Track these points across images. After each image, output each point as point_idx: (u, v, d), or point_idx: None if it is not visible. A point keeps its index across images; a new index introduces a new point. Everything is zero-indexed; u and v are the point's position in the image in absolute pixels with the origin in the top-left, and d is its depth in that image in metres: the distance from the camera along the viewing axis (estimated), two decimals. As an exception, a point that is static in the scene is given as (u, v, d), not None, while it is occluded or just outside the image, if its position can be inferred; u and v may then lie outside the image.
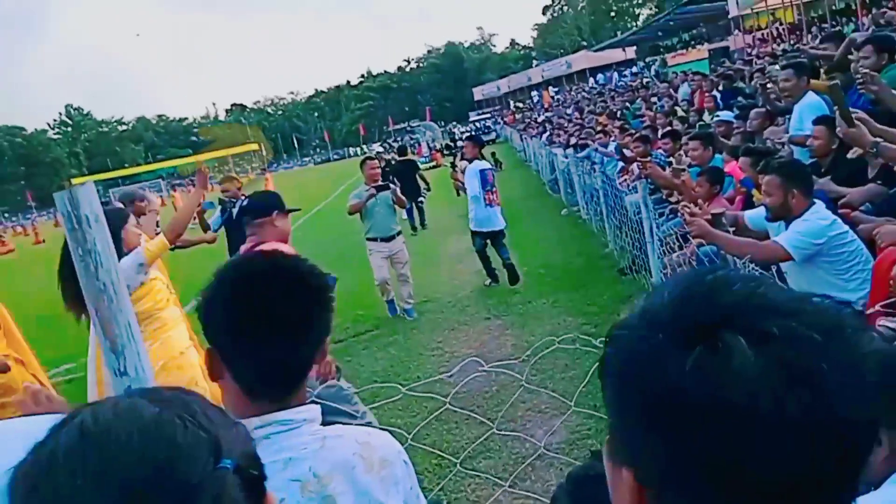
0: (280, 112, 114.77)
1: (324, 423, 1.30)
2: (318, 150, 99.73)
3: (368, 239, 7.73)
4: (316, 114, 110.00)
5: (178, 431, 0.65)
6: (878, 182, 4.12)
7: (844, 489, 0.58)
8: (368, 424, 3.51)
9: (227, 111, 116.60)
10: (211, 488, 0.63)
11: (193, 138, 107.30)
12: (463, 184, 8.90)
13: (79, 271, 1.29)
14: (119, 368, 1.32)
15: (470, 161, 8.49)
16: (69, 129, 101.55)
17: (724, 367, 0.55)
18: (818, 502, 0.56)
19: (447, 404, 2.14)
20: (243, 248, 3.74)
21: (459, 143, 30.60)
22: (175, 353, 3.96)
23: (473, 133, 23.49)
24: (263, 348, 1.22)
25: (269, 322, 1.22)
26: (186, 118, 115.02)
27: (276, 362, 1.23)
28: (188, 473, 0.63)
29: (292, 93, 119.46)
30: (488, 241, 8.26)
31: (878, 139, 3.05)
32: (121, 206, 4.36)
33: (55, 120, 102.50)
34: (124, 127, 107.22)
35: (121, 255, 3.75)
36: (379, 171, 8.10)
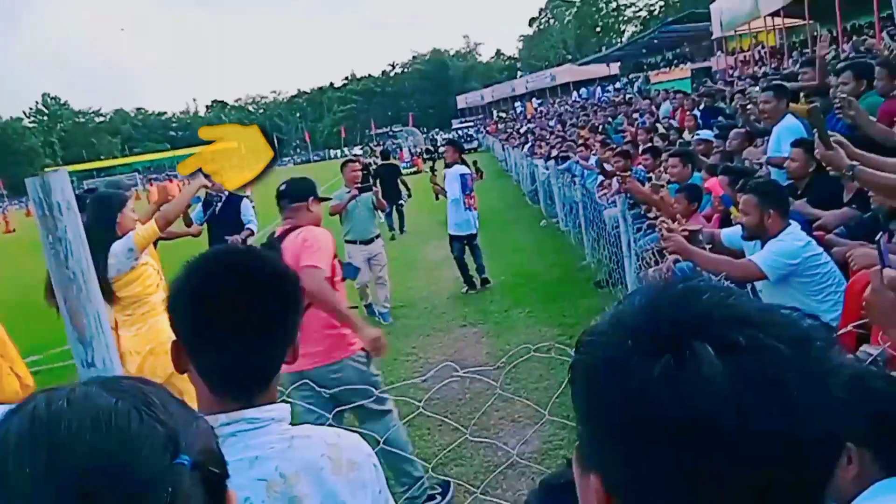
0: (261, 111, 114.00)
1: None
2: (298, 150, 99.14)
3: (347, 241, 7.72)
4: (297, 114, 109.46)
5: (132, 423, 0.62)
6: (853, 206, 4.20)
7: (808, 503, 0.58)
8: (388, 413, 3.61)
9: (207, 107, 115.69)
10: (165, 483, 0.61)
11: (172, 133, 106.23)
12: (441, 188, 9.09)
13: (48, 259, 1.27)
14: (86, 359, 1.30)
15: (450, 165, 8.66)
16: (45, 118, 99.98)
17: (691, 377, 0.55)
18: None
19: (420, 409, 2.12)
20: (279, 230, 3.88)
21: (441, 149, 30.82)
22: (163, 338, 3.97)
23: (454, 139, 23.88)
24: (228, 345, 1.20)
25: (235, 319, 1.20)
26: (165, 112, 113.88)
27: (241, 360, 1.20)
28: (141, 467, 0.60)
29: (274, 92, 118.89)
30: (466, 247, 8.41)
31: (855, 163, 3.11)
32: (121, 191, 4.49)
33: (31, 108, 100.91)
34: (101, 118, 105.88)
35: (115, 238, 3.97)
36: (360, 173, 8.09)
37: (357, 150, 47.44)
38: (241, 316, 1.20)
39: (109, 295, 3.85)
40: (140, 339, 4.04)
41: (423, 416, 3.69)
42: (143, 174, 64.20)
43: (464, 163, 8.73)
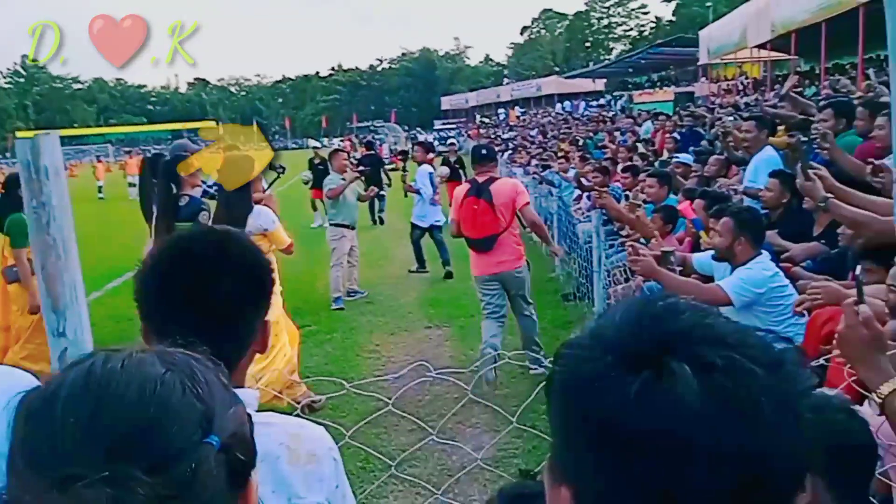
0: (243, 93, 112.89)
1: None
2: (276, 136, 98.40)
3: (339, 225, 8.05)
4: (280, 100, 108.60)
5: (174, 396, 0.66)
6: (822, 241, 4.27)
7: None
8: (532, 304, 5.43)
9: (189, 84, 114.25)
10: (190, 458, 0.63)
11: (150, 107, 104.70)
12: (411, 186, 10.19)
13: (29, 223, 1.26)
14: (57, 329, 1.28)
15: (420, 164, 9.83)
16: (22, 80, 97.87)
17: (668, 395, 0.56)
18: None
19: (390, 406, 2.10)
20: (479, 178, 5.59)
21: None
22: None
23: (422, 140, 24.65)
24: (188, 330, 1.17)
25: (195, 304, 1.18)
26: (145, 86, 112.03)
27: (203, 343, 1.18)
28: (172, 438, 0.63)
29: (259, 75, 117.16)
30: (425, 234, 9.52)
31: (829, 195, 3.17)
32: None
33: (8, 69, 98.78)
34: (79, 86, 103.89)
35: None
36: (347, 161, 8.68)
37: (337, 142, 47.27)
38: (200, 301, 1.18)
39: None
40: None
41: (382, 415, 3.66)
42: (116, 146, 63.24)
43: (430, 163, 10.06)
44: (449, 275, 9.07)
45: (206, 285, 1.19)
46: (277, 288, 4.87)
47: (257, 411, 1.24)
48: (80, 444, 0.62)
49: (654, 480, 0.56)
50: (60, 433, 0.63)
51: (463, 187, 5.79)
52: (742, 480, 0.55)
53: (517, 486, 1.30)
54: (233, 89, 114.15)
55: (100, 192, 26.72)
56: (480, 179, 5.52)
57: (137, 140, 68.26)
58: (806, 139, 5.24)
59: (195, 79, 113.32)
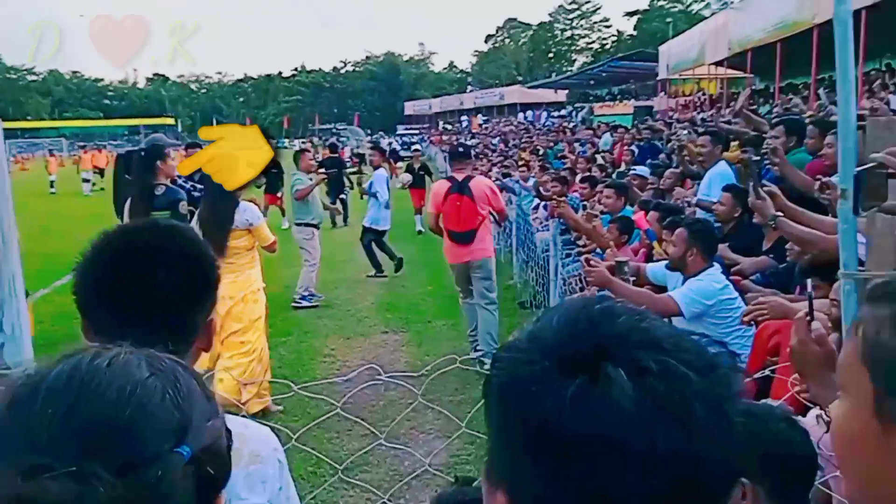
0: (204, 91, 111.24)
1: None
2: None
3: (309, 225, 8.16)
4: (241, 99, 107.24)
5: (153, 401, 0.66)
6: (771, 255, 4.38)
7: None
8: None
9: (147, 80, 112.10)
10: (158, 466, 0.63)
11: (106, 101, 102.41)
12: (364, 190, 10.65)
13: None
14: None
15: (376, 168, 10.48)
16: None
17: (603, 399, 0.56)
18: None
19: (338, 409, 2.09)
20: (458, 176, 5.98)
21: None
22: (254, 287, 4.90)
23: (380, 145, 24.93)
24: (127, 327, 1.14)
25: (133, 301, 1.14)
26: (102, 79, 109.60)
27: (141, 343, 1.16)
28: (143, 443, 0.64)
29: (220, 73, 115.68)
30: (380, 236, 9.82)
31: (779, 214, 3.25)
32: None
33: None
34: (34, 77, 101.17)
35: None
36: (313, 161, 9.07)
37: (298, 143, 46.93)
38: (136, 294, 1.14)
39: (223, 242, 4.51)
40: (236, 286, 4.71)
41: (333, 419, 3.63)
42: (71, 140, 61.67)
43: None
44: (401, 263, 9.41)
45: (141, 277, 1.15)
46: (260, 286, 4.98)
47: None
48: (54, 436, 0.63)
49: (589, 485, 0.56)
50: (37, 423, 0.63)
51: (443, 184, 6.16)
52: (676, 484, 0.56)
53: (455, 493, 1.30)
54: (193, 86, 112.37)
55: (52, 186, 26.03)
56: (460, 177, 5.95)
57: (93, 135, 66.57)
58: (758, 156, 5.38)
59: (154, 74, 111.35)
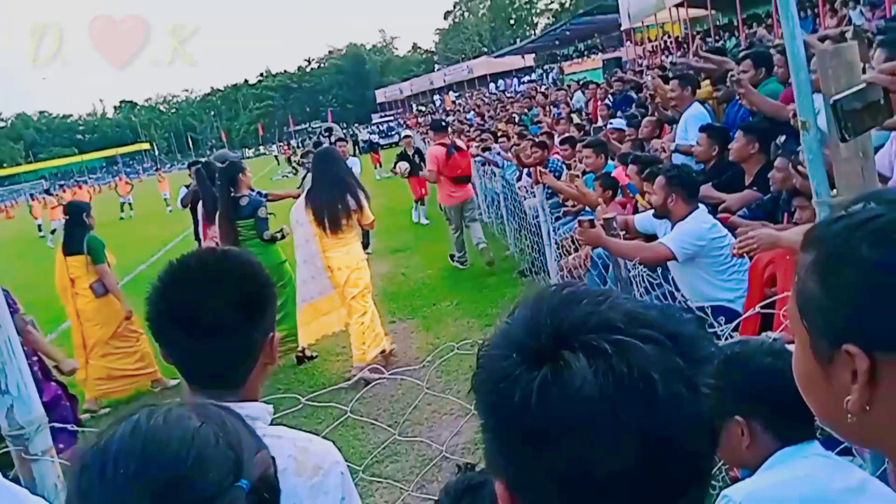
0: (174, 110, 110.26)
1: None
2: (214, 149, 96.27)
3: None
4: (212, 112, 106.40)
5: (209, 445, 0.76)
6: (754, 188, 4.44)
7: (687, 493, 0.62)
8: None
9: (115, 108, 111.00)
10: (224, 500, 0.73)
11: (79, 136, 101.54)
12: None
13: None
14: None
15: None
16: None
17: (566, 388, 0.59)
18: None
19: (348, 413, 2.14)
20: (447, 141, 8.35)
21: (362, 145, 30.79)
22: (362, 256, 5.74)
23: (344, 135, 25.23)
24: (192, 349, 1.26)
25: (194, 325, 1.24)
26: (71, 115, 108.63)
27: (205, 363, 1.27)
28: (207, 484, 0.73)
29: (187, 90, 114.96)
30: None
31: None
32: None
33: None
34: (2, 124, 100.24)
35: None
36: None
37: (274, 148, 46.77)
38: (199, 322, 1.24)
39: (339, 223, 5.38)
40: (349, 257, 5.51)
41: (357, 415, 3.70)
42: (51, 181, 61.30)
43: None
44: (367, 243, 9.53)
45: (195, 306, 1.25)
46: (364, 256, 5.81)
47: (269, 424, 1.30)
48: (129, 493, 0.72)
49: (569, 469, 0.59)
50: (111, 483, 0.72)
51: (440, 148, 8.27)
52: (649, 455, 0.58)
53: (461, 481, 1.36)
54: (162, 107, 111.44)
55: (40, 230, 25.93)
56: (447, 142, 8.41)
57: (71, 172, 66.11)
58: (731, 94, 5.41)
59: (121, 101, 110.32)
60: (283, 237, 6.10)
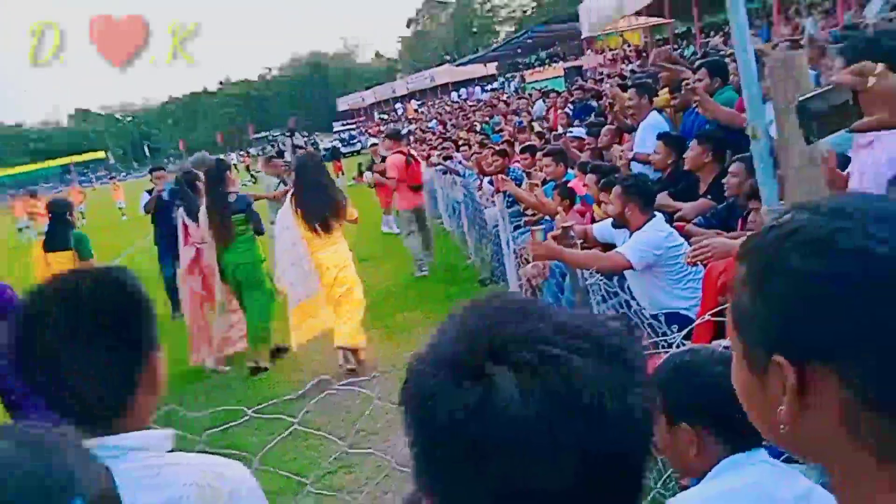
0: (130, 119, 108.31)
1: None
2: (172, 158, 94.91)
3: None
4: (170, 121, 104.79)
5: (30, 467, 0.69)
6: (709, 196, 4.49)
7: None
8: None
9: (70, 116, 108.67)
10: None
11: (31, 145, 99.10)
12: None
13: None
14: None
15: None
16: None
17: (494, 406, 0.58)
18: None
19: (295, 425, 2.09)
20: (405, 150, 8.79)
21: (324, 153, 30.64)
22: (349, 256, 6.01)
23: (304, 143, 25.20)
24: (58, 388, 1.15)
25: (53, 365, 1.14)
26: (22, 124, 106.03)
27: (78, 398, 1.15)
28: None
29: (145, 98, 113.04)
30: None
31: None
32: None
33: None
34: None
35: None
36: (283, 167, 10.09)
37: (234, 157, 46.34)
38: (55, 364, 1.14)
39: (329, 224, 5.68)
40: (337, 256, 5.81)
41: (312, 427, 3.63)
42: (3, 192, 59.67)
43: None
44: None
45: (55, 347, 1.15)
46: (349, 254, 6.03)
47: (168, 452, 1.23)
48: None
49: (502, 486, 0.58)
50: None
51: (399, 157, 8.62)
52: (588, 472, 0.57)
53: (417, 493, 1.33)
54: (118, 116, 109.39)
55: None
56: (405, 151, 8.92)
57: (24, 181, 64.44)
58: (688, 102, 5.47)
59: (76, 110, 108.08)
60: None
